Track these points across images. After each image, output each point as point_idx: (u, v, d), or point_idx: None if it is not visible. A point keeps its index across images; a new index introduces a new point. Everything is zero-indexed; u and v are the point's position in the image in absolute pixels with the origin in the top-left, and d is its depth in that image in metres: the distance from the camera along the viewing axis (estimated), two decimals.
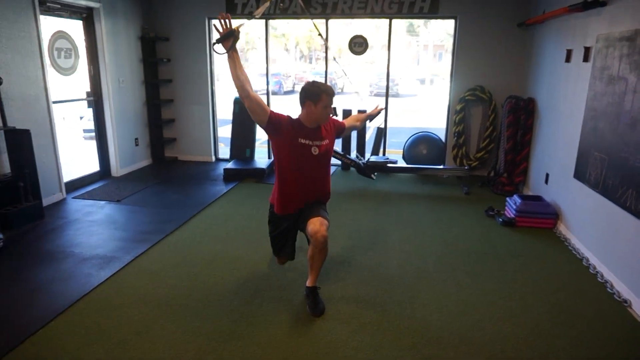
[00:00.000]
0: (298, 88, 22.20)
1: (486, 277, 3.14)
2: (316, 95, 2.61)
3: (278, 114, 2.63)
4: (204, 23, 6.02)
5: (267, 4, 3.13)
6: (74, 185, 5.04)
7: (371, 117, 3.45)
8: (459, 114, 5.61)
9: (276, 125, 2.60)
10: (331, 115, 2.78)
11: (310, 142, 2.66)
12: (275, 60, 36.73)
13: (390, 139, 8.31)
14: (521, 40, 5.34)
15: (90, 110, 5.41)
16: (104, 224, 4.04)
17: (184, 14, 6.02)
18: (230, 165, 5.75)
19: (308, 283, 2.76)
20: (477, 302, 2.81)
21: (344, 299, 2.83)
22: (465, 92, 5.57)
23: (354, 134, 6.08)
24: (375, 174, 5.48)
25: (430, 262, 3.35)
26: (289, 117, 2.69)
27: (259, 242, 3.68)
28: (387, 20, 5.76)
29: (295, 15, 5.85)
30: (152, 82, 6.15)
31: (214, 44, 2.46)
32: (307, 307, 2.72)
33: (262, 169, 5.59)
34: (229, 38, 2.37)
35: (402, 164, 5.93)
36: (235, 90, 2.45)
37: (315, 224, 2.60)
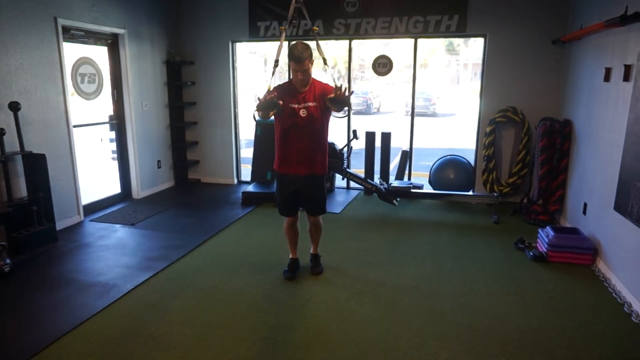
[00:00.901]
0: None
1: (509, 323, 2.79)
2: (288, 57, 2.89)
3: (277, 91, 2.83)
4: (228, 47, 6.04)
5: (284, 32, 3.25)
6: (94, 208, 5.08)
7: (333, 100, 2.69)
8: (488, 137, 5.26)
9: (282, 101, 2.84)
10: (300, 77, 2.88)
11: (299, 105, 2.93)
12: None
13: (420, 161, 8.01)
14: (557, 58, 4.96)
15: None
16: (114, 249, 3.99)
17: (209, 38, 6.06)
18: (249, 188, 5.64)
19: (311, 251, 3.50)
20: (495, 355, 2.48)
21: (345, 342, 2.58)
22: (495, 114, 5.23)
23: (377, 157, 5.85)
24: (398, 199, 5.20)
25: (445, 303, 3.04)
26: (279, 86, 3.01)
27: (264, 272, 3.50)
28: (418, 40, 5.53)
29: (319, 35, 5.73)
30: (176, 105, 6.20)
31: (255, 110, 2.74)
32: (310, 268, 3.45)
33: None
34: (272, 109, 2.67)
35: (428, 189, 5.63)
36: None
37: (311, 219, 3.35)
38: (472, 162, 5.65)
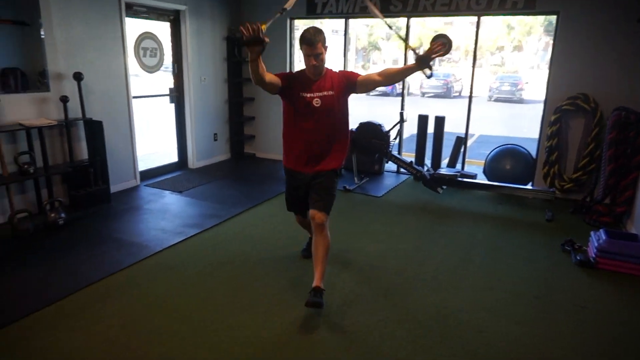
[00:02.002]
0: (413, 90, 21.35)
1: (521, 328, 2.56)
2: (300, 42, 2.62)
3: (286, 73, 2.72)
4: (286, 24, 6.07)
5: None
6: (152, 174, 5.47)
7: (420, 60, 2.45)
8: (552, 126, 4.77)
9: (286, 85, 2.65)
10: (312, 63, 2.60)
11: (312, 94, 2.67)
12: (397, 61, 36.30)
13: (487, 149, 7.52)
14: None
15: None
16: (157, 213, 4.28)
17: (268, 15, 6.11)
18: None
19: (314, 282, 2.65)
20: (498, 357, 2.30)
21: (337, 327, 2.54)
22: (563, 101, 4.72)
23: (429, 142, 5.60)
24: (444, 187, 4.95)
25: (459, 298, 2.87)
26: (293, 72, 2.87)
27: (285, 248, 3.56)
28: (499, 17, 5.14)
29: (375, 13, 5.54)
30: (234, 80, 6.40)
31: (242, 45, 2.47)
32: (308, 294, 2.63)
33: None
34: (257, 45, 2.31)
35: (483, 179, 5.28)
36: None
37: (315, 217, 2.70)
38: (534, 153, 5.19)
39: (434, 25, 26.67)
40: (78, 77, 4.18)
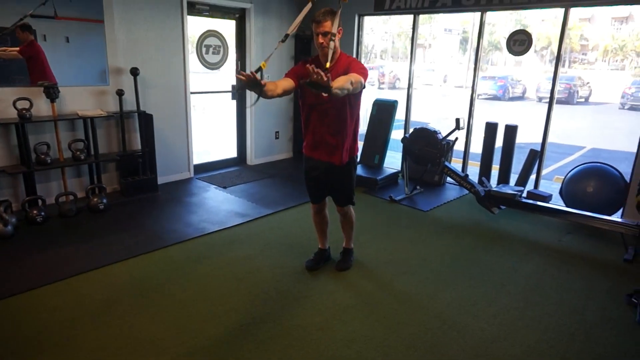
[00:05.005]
0: (529, 94, 19.47)
1: None
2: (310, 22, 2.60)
3: (296, 68, 2.68)
4: (354, 20, 5.81)
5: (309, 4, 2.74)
6: (208, 167, 5.67)
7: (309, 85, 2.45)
8: None
9: (299, 79, 2.56)
10: (320, 41, 2.56)
11: None
12: (520, 62, 33.22)
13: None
14: None
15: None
16: (191, 207, 4.38)
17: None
18: None
19: (343, 244, 3.30)
20: None
21: (305, 352, 2.29)
22: None
23: (497, 152, 4.92)
24: (502, 207, 4.29)
25: (455, 345, 2.40)
26: (304, 60, 2.73)
27: (294, 257, 3.37)
28: (562, 10, 4.34)
29: (445, 7, 5.02)
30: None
31: (240, 90, 2.55)
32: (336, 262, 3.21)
33: (374, 180, 5.10)
34: (255, 87, 2.30)
35: (557, 201, 4.48)
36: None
37: (338, 209, 3.12)
38: (629, 175, 4.23)
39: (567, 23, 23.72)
40: (134, 72, 4.45)
